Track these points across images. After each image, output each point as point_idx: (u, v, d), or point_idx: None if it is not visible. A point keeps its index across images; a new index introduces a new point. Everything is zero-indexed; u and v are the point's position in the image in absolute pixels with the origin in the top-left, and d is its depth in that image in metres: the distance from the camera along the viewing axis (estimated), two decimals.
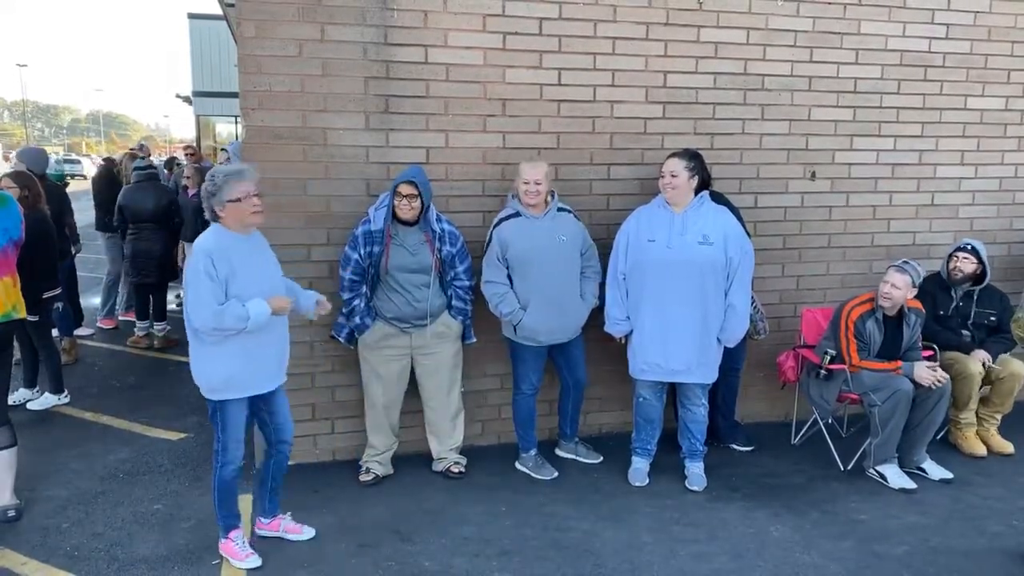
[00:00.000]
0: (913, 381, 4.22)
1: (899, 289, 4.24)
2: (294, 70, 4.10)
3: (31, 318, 4.99)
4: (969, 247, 4.67)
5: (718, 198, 4.38)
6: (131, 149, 10.29)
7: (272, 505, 3.64)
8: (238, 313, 3.09)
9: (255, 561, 3.39)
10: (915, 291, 4.30)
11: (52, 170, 7.21)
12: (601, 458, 4.54)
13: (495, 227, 4.14)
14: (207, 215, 3.28)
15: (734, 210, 4.40)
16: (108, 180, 8.05)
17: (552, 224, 4.12)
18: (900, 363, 4.26)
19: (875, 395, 4.21)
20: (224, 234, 3.20)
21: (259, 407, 3.43)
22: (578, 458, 4.57)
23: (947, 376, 4.28)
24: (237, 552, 3.40)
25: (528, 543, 3.63)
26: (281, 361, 3.43)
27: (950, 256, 4.73)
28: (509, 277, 4.14)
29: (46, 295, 5.14)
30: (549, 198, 4.17)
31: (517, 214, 4.11)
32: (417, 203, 3.95)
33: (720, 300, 4.04)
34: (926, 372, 4.22)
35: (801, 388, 4.68)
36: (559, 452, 4.63)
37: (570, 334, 4.26)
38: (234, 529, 3.44)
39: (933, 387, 4.21)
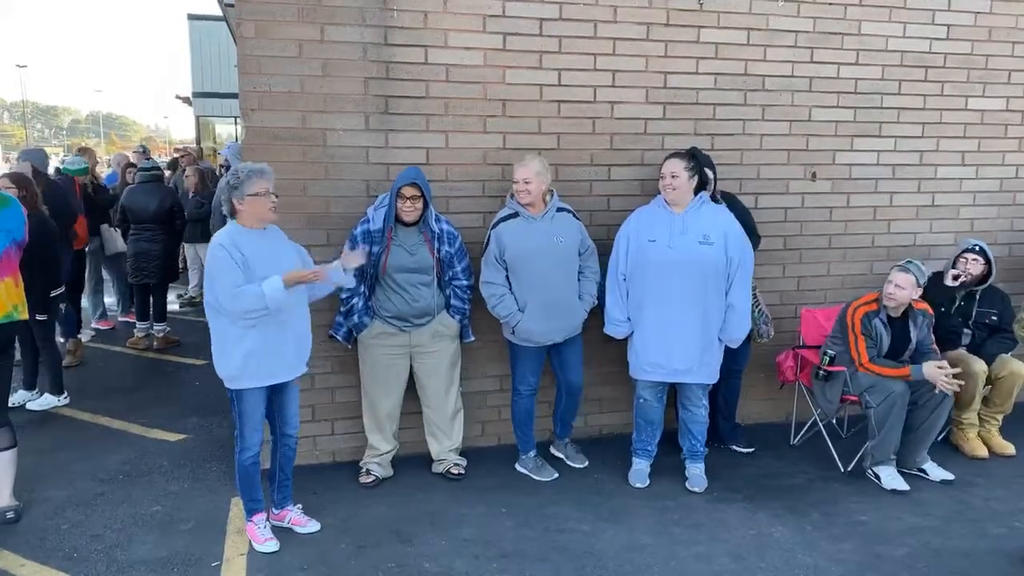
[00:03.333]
0: (914, 384, 4.20)
1: (903, 289, 4.20)
2: (294, 71, 4.09)
3: (40, 317, 4.99)
4: (977, 248, 4.65)
5: (730, 200, 4.39)
6: (135, 151, 10.18)
7: (281, 496, 3.73)
8: (254, 292, 3.22)
9: (272, 546, 3.52)
10: (920, 291, 4.25)
11: (77, 168, 6.99)
12: (587, 463, 4.48)
13: (493, 227, 4.12)
14: (225, 210, 3.36)
15: (744, 211, 4.39)
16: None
17: (550, 225, 4.10)
18: (908, 369, 4.19)
19: (871, 397, 4.20)
20: (239, 230, 3.33)
21: (271, 397, 3.51)
22: (566, 459, 4.53)
23: (962, 382, 4.18)
24: (258, 536, 3.55)
25: (528, 544, 3.62)
26: (299, 352, 3.53)
27: (956, 258, 4.69)
28: (507, 277, 4.14)
29: (52, 294, 5.14)
30: (548, 197, 4.16)
31: (515, 214, 4.09)
32: (420, 204, 3.95)
33: (721, 300, 4.03)
34: (937, 372, 4.10)
35: (812, 389, 4.66)
36: (552, 451, 4.62)
37: (567, 334, 4.23)
38: (257, 513, 3.58)
39: (946, 391, 4.11)
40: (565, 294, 4.14)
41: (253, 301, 3.20)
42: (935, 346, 4.42)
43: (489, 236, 4.13)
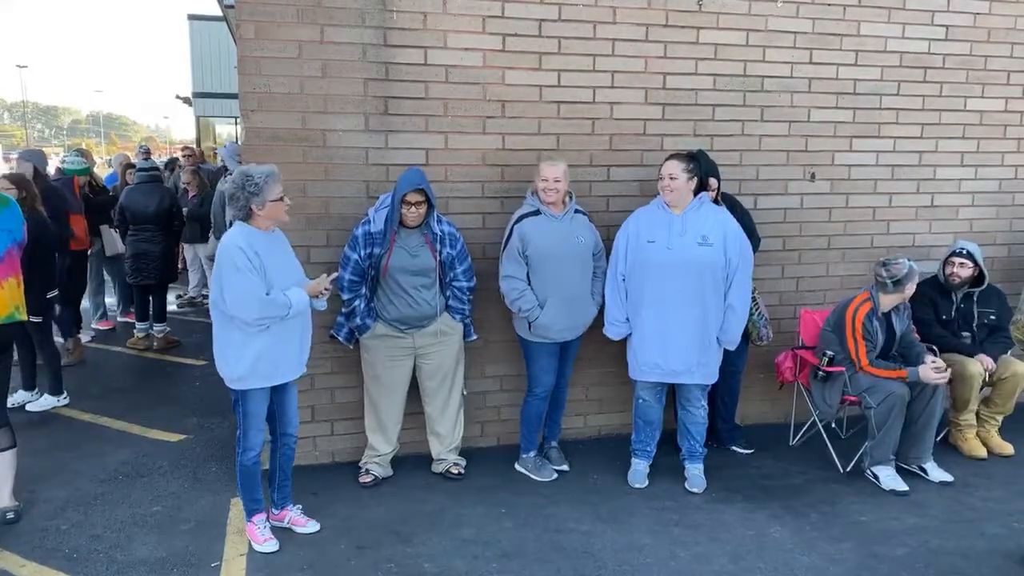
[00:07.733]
0: (913, 383, 4.22)
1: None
2: (293, 72, 4.10)
3: (34, 319, 4.99)
4: (964, 252, 4.66)
5: (730, 201, 4.39)
6: (141, 150, 10.13)
7: (281, 497, 3.74)
8: (281, 301, 3.27)
9: (272, 546, 3.53)
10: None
11: (78, 167, 6.92)
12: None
13: (515, 223, 4.13)
14: (235, 214, 3.35)
15: (744, 212, 4.39)
16: None
17: (571, 225, 4.14)
18: (906, 371, 4.22)
19: (870, 397, 4.21)
20: (251, 232, 3.33)
21: (272, 397, 3.52)
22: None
23: (949, 368, 4.28)
24: (257, 536, 3.56)
25: (528, 545, 3.63)
26: (302, 352, 3.55)
27: (945, 261, 4.71)
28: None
29: (48, 295, 5.14)
30: (567, 199, 4.18)
31: (537, 212, 4.11)
32: (424, 209, 3.95)
33: (720, 301, 4.04)
34: (933, 373, 4.18)
35: (810, 389, 4.67)
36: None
37: (579, 332, 4.28)
38: (257, 513, 3.59)
39: (941, 383, 4.20)
40: (582, 292, 4.18)
41: (279, 309, 3.26)
42: (931, 345, 4.45)
43: (511, 231, 4.13)
